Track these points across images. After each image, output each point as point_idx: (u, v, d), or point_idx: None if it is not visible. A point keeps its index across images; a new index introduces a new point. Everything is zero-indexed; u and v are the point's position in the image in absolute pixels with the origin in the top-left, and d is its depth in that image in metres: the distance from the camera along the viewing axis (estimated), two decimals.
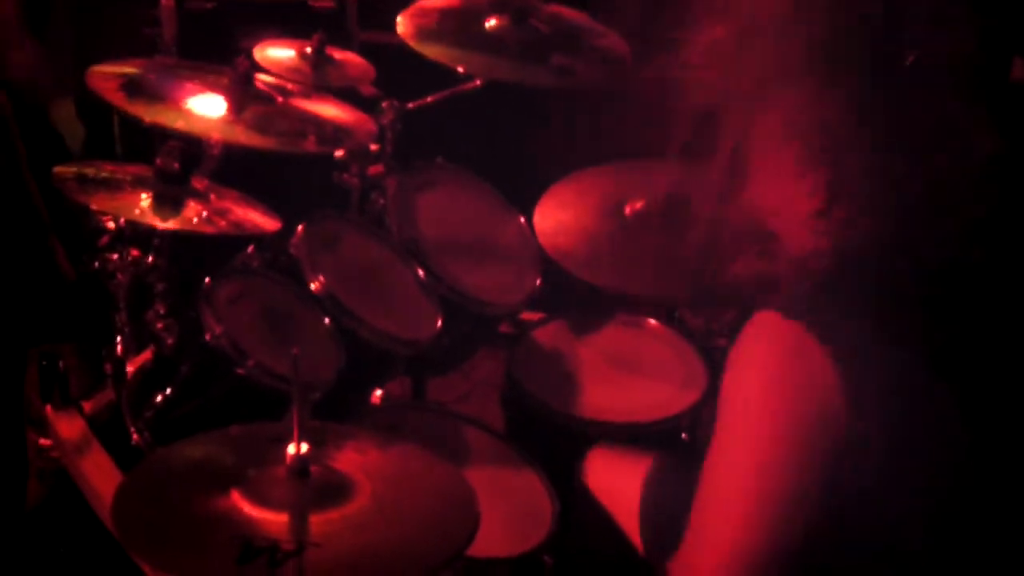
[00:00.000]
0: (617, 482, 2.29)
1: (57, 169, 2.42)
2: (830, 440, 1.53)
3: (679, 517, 1.74)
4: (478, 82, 3.24)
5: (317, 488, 1.69)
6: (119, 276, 2.56)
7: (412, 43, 3.04)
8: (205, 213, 2.44)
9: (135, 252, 2.54)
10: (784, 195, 1.71)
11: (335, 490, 1.70)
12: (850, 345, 1.55)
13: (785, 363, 1.56)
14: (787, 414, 1.54)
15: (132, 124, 2.60)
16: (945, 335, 1.62)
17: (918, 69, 1.65)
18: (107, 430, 2.42)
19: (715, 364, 2.86)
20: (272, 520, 1.65)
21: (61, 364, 2.42)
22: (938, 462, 1.60)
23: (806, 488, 1.53)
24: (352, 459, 1.79)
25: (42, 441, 2.47)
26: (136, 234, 2.55)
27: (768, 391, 1.56)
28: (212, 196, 2.53)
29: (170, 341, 2.53)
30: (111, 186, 2.44)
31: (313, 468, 1.70)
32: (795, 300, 1.61)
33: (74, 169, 2.45)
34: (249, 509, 1.66)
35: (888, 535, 1.58)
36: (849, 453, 1.53)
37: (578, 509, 2.38)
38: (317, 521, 1.65)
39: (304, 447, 1.67)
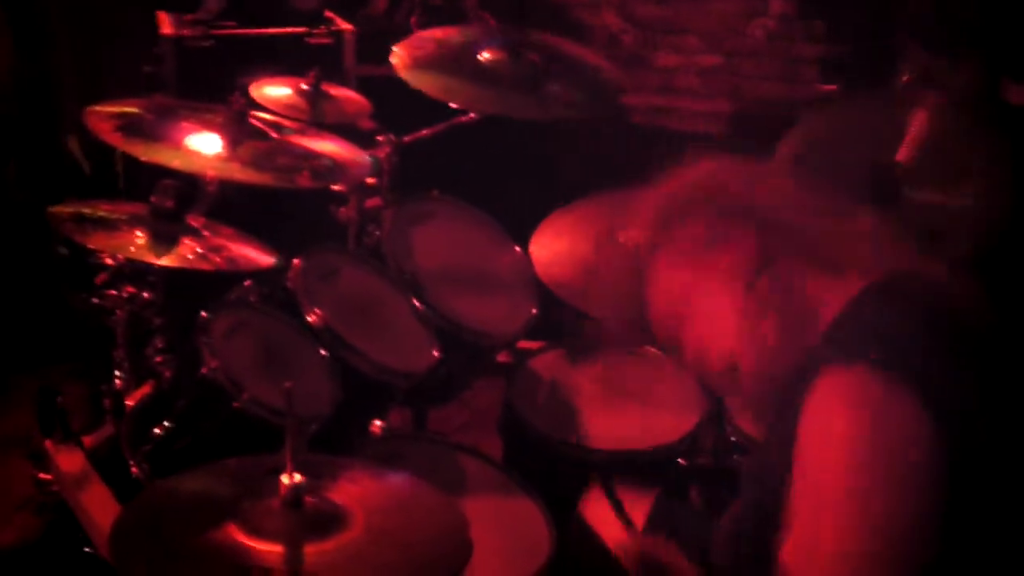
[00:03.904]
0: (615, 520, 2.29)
1: (54, 209, 2.45)
2: (930, 469, 1.53)
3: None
4: (473, 115, 3.27)
5: (311, 519, 1.70)
6: (118, 312, 2.59)
7: (407, 76, 3.07)
8: (200, 250, 2.47)
9: (131, 289, 2.57)
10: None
11: (329, 521, 1.71)
12: (919, 370, 1.56)
13: (870, 415, 1.56)
14: (884, 458, 1.54)
15: (134, 161, 2.63)
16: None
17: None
18: (107, 464, 2.43)
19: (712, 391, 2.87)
20: (267, 551, 1.66)
21: (60, 400, 2.44)
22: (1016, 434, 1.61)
23: (913, 513, 1.53)
24: (346, 490, 1.81)
25: (42, 475, 2.48)
26: (134, 271, 2.58)
27: (857, 446, 1.55)
28: (207, 233, 2.56)
29: (168, 375, 2.55)
30: (107, 225, 2.47)
31: (307, 499, 1.71)
32: (849, 339, 1.62)
33: (71, 208, 2.47)
34: (245, 540, 1.68)
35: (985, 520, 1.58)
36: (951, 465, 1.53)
37: (575, 538, 2.39)
38: (312, 552, 1.66)
39: (297, 478, 1.69)
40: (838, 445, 1.56)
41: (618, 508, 2.24)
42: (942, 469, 1.52)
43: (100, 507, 2.31)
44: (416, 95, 3.05)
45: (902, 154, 2.65)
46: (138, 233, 2.45)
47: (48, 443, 2.44)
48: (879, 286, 1.67)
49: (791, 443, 1.61)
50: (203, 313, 2.50)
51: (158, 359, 2.60)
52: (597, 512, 2.35)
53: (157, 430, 2.46)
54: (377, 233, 3.09)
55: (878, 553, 1.53)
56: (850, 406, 1.57)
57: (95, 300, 2.61)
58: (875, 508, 1.53)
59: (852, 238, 1.75)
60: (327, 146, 2.89)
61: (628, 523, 2.20)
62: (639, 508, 2.25)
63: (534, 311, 3.04)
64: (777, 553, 1.59)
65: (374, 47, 3.88)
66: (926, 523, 1.53)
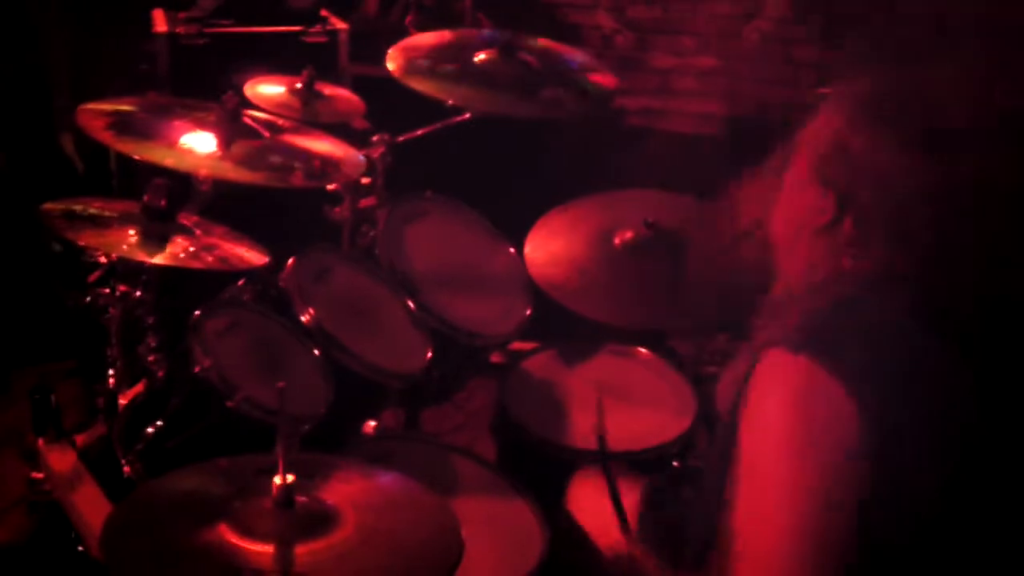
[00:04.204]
0: (602, 506, 2.29)
1: (45, 206, 2.44)
2: (853, 467, 1.54)
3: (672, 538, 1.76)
4: (468, 115, 3.27)
5: (303, 519, 1.70)
6: (110, 311, 2.58)
7: (402, 77, 3.07)
8: (192, 248, 2.46)
9: (124, 287, 2.56)
10: (796, 211, 1.75)
11: (320, 520, 1.71)
12: (858, 366, 1.57)
13: (801, 401, 1.58)
14: (812, 448, 1.56)
15: (128, 159, 2.62)
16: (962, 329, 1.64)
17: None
18: (99, 462, 2.43)
19: (705, 392, 2.87)
20: (258, 551, 1.66)
21: (53, 399, 2.43)
22: (955, 449, 1.62)
23: (838, 512, 1.55)
24: (338, 490, 1.80)
25: (34, 474, 2.47)
26: (127, 270, 2.58)
27: (790, 432, 1.58)
28: (199, 232, 2.55)
29: (161, 374, 2.55)
30: (98, 223, 2.46)
31: (299, 499, 1.71)
32: (796, 330, 1.63)
33: (62, 206, 2.47)
34: (236, 540, 1.67)
35: (909, 527, 1.59)
36: (874, 472, 1.54)
37: (566, 536, 2.38)
38: (302, 552, 1.66)
39: (289, 478, 1.69)
40: (771, 429, 1.59)
41: (617, 506, 2.24)
42: (867, 458, 1.54)
43: (92, 506, 2.30)
44: (410, 95, 3.05)
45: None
46: (130, 231, 2.44)
47: (40, 442, 2.44)
48: (877, 282, 1.67)
49: (736, 426, 1.65)
50: (196, 312, 2.50)
51: (151, 358, 2.59)
52: (588, 511, 2.35)
53: (149, 429, 2.46)
54: (371, 233, 3.09)
55: (808, 524, 1.55)
56: (784, 384, 1.60)
57: (88, 298, 2.60)
58: (805, 482, 1.56)
59: None
60: (321, 145, 2.89)
61: (624, 523, 2.20)
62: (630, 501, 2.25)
63: (528, 312, 3.04)
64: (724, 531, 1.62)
65: (369, 47, 3.89)
66: (849, 509, 1.55)
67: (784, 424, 1.58)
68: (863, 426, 1.54)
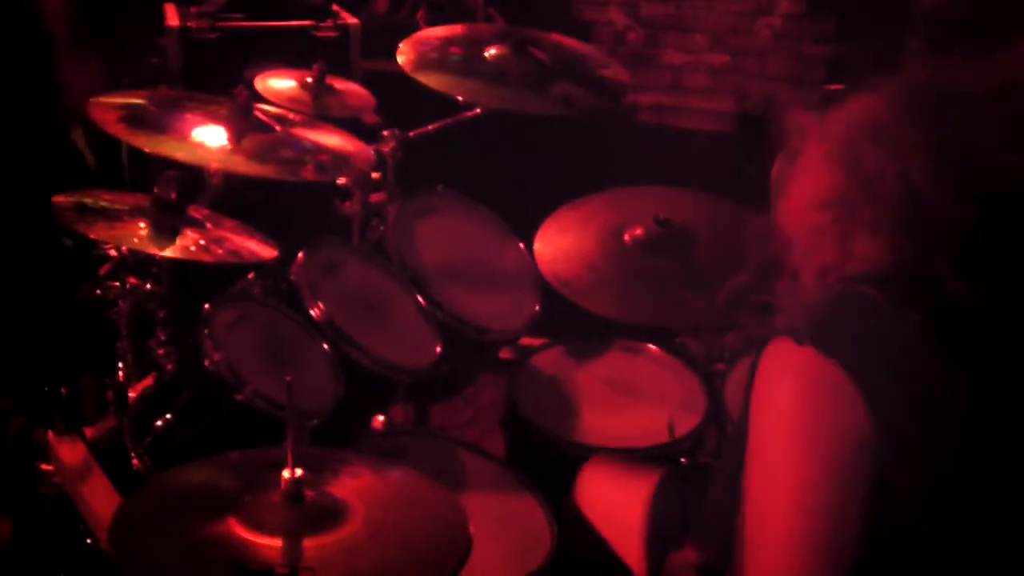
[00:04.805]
0: (610, 499, 2.29)
1: (56, 198, 2.44)
2: (864, 456, 1.54)
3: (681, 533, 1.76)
4: (479, 110, 3.27)
5: (311, 513, 1.71)
6: (120, 304, 2.59)
7: (413, 72, 3.07)
8: (203, 241, 2.47)
9: (134, 280, 2.56)
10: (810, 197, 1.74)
11: (329, 515, 1.72)
12: (861, 359, 1.57)
13: (809, 391, 1.58)
14: (821, 440, 1.56)
15: (140, 153, 2.63)
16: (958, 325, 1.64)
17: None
18: (108, 455, 2.43)
19: (714, 389, 2.87)
20: (267, 544, 1.66)
21: (63, 390, 2.44)
22: (950, 448, 1.62)
23: (847, 502, 1.55)
24: (346, 484, 1.81)
25: (44, 467, 2.48)
26: (137, 262, 2.58)
27: (799, 421, 1.57)
28: (209, 225, 2.56)
29: (170, 368, 2.55)
30: (109, 215, 2.46)
31: (308, 493, 1.71)
32: (802, 322, 1.62)
33: (73, 199, 2.47)
34: (245, 533, 1.68)
35: (909, 525, 1.60)
36: (880, 462, 1.55)
37: (573, 531, 2.38)
38: (311, 546, 1.66)
39: (298, 472, 1.69)
40: (781, 423, 1.59)
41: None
42: (874, 450, 1.54)
43: (101, 499, 2.31)
44: (421, 90, 3.05)
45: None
46: (141, 224, 2.45)
47: (50, 434, 2.44)
48: (858, 283, 1.67)
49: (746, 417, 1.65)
50: (206, 305, 2.50)
51: (161, 351, 2.59)
52: (596, 505, 2.35)
53: (159, 422, 2.47)
54: (381, 228, 3.09)
55: (817, 519, 1.55)
56: (791, 374, 1.60)
57: (98, 291, 2.60)
58: (813, 479, 1.55)
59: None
60: (332, 140, 2.89)
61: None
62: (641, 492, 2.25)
63: (537, 308, 3.04)
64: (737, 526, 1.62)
65: (380, 42, 3.89)
66: (858, 503, 1.55)
67: (792, 414, 1.58)
68: (869, 416, 1.54)
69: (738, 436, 1.68)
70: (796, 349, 1.60)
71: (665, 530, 2.11)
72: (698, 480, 2.59)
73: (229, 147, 2.62)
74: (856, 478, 1.55)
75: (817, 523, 1.55)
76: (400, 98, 3.21)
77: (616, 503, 2.25)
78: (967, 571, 1.64)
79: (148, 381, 2.61)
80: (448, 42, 3.27)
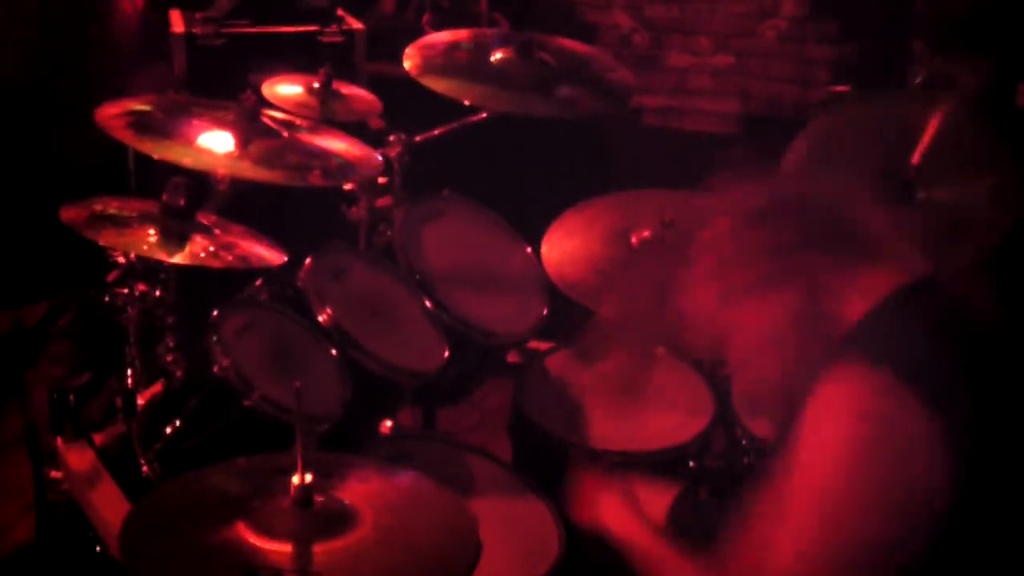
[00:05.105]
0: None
1: (65, 206, 2.45)
2: (926, 470, 1.54)
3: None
4: (485, 114, 3.27)
5: (320, 518, 1.71)
6: (129, 310, 2.59)
7: (419, 77, 3.07)
8: (211, 247, 2.47)
9: (143, 286, 2.57)
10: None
11: (338, 520, 1.72)
12: (934, 382, 1.56)
13: (879, 416, 1.57)
14: (880, 464, 1.55)
15: (146, 158, 2.63)
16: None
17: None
18: (117, 462, 2.43)
19: (721, 392, 2.87)
20: (276, 550, 1.66)
21: (72, 397, 2.44)
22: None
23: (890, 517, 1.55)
24: (355, 489, 1.81)
25: (53, 473, 2.48)
26: (146, 269, 2.58)
27: (856, 432, 1.57)
28: (217, 231, 2.56)
29: (179, 374, 2.56)
30: (118, 222, 2.47)
31: (317, 498, 1.72)
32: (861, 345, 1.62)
33: (82, 206, 2.47)
34: (254, 539, 1.68)
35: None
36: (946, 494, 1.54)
37: (582, 537, 2.38)
38: (320, 551, 1.67)
39: (307, 478, 1.70)
40: (839, 447, 1.57)
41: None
42: (946, 489, 1.53)
43: (110, 505, 2.31)
44: (427, 94, 3.05)
45: (916, 158, 2.64)
46: (150, 231, 2.45)
47: (59, 441, 2.45)
48: (903, 294, 1.66)
49: (791, 439, 1.62)
50: (214, 311, 2.51)
51: (169, 357, 2.60)
52: (609, 510, 2.34)
53: (168, 428, 2.47)
54: (388, 232, 3.09)
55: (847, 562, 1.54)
56: (857, 410, 1.57)
57: (106, 298, 2.61)
58: (862, 517, 1.55)
59: (885, 233, 1.74)
60: (338, 145, 2.89)
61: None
62: (657, 505, 2.25)
63: (544, 311, 3.03)
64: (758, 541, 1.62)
65: (385, 46, 3.89)
66: (916, 542, 1.53)
67: (854, 432, 1.56)
68: (944, 454, 1.53)
69: (780, 450, 1.67)
70: (861, 378, 1.58)
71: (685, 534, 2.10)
72: (704, 486, 2.61)
73: (236, 152, 2.63)
74: (919, 504, 1.53)
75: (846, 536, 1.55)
76: (406, 102, 3.21)
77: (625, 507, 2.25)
78: None
79: (157, 387, 2.61)
80: (454, 46, 3.28)
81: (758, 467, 1.85)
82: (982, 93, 2.70)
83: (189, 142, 2.60)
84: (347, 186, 3.09)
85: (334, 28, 4.10)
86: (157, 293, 2.59)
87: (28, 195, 3.51)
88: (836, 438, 1.58)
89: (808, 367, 1.66)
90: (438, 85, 3.07)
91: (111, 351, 2.75)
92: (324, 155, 2.78)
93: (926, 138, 2.73)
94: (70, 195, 2.51)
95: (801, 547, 1.57)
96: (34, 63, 3.61)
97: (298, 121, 2.92)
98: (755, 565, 1.61)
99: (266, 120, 2.76)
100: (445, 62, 3.20)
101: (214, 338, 2.44)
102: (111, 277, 2.62)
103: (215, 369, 2.41)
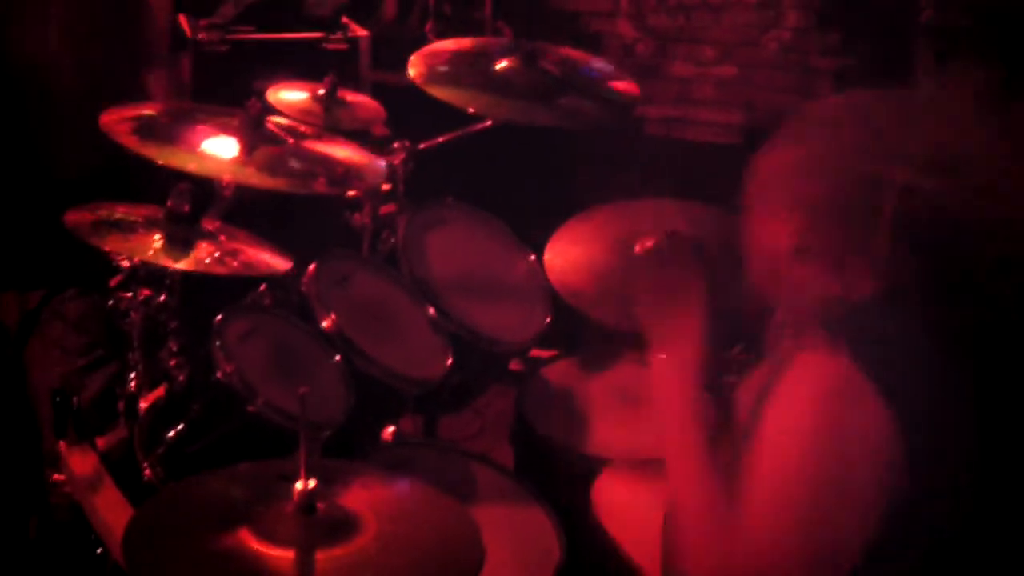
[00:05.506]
0: (627, 507, 2.29)
1: (70, 211, 2.45)
2: (879, 455, 1.59)
3: None
4: (489, 122, 3.27)
5: (323, 525, 1.70)
6: (132, 315, 2.59)
7: (423, 85, 3.08)
8: (216, 253, 2.47)
9: (147, 291, 2.57)
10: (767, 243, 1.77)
11: (341, 527, 1.71)
12: (890, 371, 1.61)
13: (834, 398, 1.62)
14: (839, 443, 1.60)
15: (150, 164, 2.64)
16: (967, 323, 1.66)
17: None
18: (120, 466, 2.43)
19: (723, 400, 2.86)
20: (279, 556, 1.66)
21: (75, 400, 2.44)
22: (964, 446, 1.63)
23: (844, 499, 1.60)
24: (358, 496, 1.81)
25: (55, 476, 2.49)
26: (149, 274, 2.59)
27: (818, 427, 1.61)
28: (222, 237, 2.56)
29: (182, 378, 2.56)
30: (123, 227, 2.47)
31: (320, 505, 1.71)
32: (828, 335, 1.65)
33: (87, 211, 2.48)
34: (257, 545, 1.68)
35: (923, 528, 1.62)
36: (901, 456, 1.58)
37: (585, 541, 2.38)
38: (323, 557, 1.66)
39: (311, 484, 1.69)
40: (796, 426, 1.63)
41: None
42: (896, 476, 1.58)
43: (113, 510, 2.31)
44: (431, 102, 3.05)
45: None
46: (155, 236, 2.45)
47: (62, 444, 2.45)
48: (885, 295, 1.68)
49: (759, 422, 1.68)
50: (218, 317, 2.51)
51: (172, 362, 2.60)
52: (608, 505, 2.35)
53: (171, 433, 2.47)
54: (391, 239, 3.09)
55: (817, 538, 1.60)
56: (816, 393, 1.63)
57: (110, 302, 2.61)
58: (816, 496, 1.60)
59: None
60: (342, 152, 2.89)
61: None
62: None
63: (548, 319, 3.04)
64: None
65: (389, 54, 3.90)
66: (869, 521, 1.59)
67: (813, 419, 1.61)
68: (894, 428, 1.57)
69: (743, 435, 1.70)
70: (828, 360, 1.62)
71: None
72: None
73: (240, 159, 2.63)
74: (864, 477, 1.58)
75: (806, 512, 1.60)
76: (409, 110, 3.22)
77: (634, 512, 2.25)
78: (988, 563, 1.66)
79: (159, 392, 2.61)
80: (457, 55, 3.28)
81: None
82: (986, 101, 2.69)
83: (193, 148, 2.61)
84: (351, 193, 3.09)
85: (339, 35, 4.11)
86: (161, 298, 2.60)
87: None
88: (794, 419, 1.64)
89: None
90: (442, 93, 3.07)
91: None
92: (328, 162, 2.79)
93: (928, 144, 2.73)
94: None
95: (764, 524, 1.63)
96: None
97: (303, 128, 2.93)
98: (730, 538, 1.64)
99: (271, 127, 2.77)
100: (449, 70, 3.20)
101: (217, 343, 2.44)
102: (115, 282, 2.62)
103: (218, 374, 2.41)
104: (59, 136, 3.49)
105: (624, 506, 2.32)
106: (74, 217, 2.45)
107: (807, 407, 1.63)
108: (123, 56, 3.65)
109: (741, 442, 1.74)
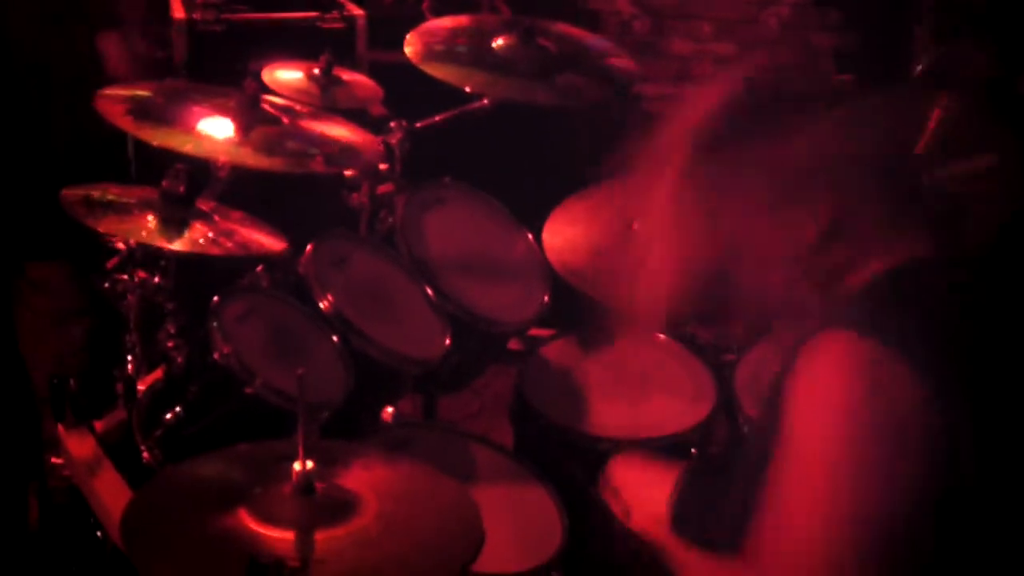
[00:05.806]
0: (641, 487, 2.27)
1: (65, 192, 2.44)
2: (919, 437, 1.52)
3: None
4: (486, 101, 3.26)
5: (322, 505, 1.70)
6: (129, 297, 2.59)
7: (420, 63, 3.07)
8: (211, 234, 2.47)
9: (143, 273, 2.56)
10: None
11: (340, 507, 1.71)
12: (921, 349, 1.55)
13: (868, 379, 1.55)
14: (873, 426, 1.54)
15: (146, 145, 2.63)
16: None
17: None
18: (118, 449, 2.43)
19: (724, 379, 2.86)
20: (278, 537, 1.66)
21: (72, 383, 2.44)
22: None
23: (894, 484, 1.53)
24: (358, 476, 1.81)
25: (54, 459, 2.49)
26: (146, 256, 2.58)
27: (853, 409, 1.55)
28: (217, 218, 2.55)
29: (180, 360, 2.55)
30: (118, 209, 2.47)
31: (319, 485, 1.71)
32: (848, 315, 1.61)
33: (81, 192, 2.47)
34: (256, 526, 1.68)
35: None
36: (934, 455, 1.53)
37: (588, 522, 2.38)
38: (322, 538, 1.66)
39: (309, 465, 1.69)
40: (833, 418, 1.56)
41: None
42: (943, 457, 1.52)
43: (111, 492, 2.31)
44: (428, 81, 3.04)
45: (921, 148, 2.64)
46: (149, 217, 2.44)
47: (60, 427, 2.44)
48: (897, 274, 1.66)
49: (779, 409, 1.62)
50: (215, 298, 2.50)
51: (170, 344, 2.59)
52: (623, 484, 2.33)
53: (169, 415, 2.46)
54: (389, 219, 3.08)
55: (869, 528, 1.53)
56: (847, 381, 1.56)
57: (106, 284, 2.61)
58: (868, 485, 1.53)
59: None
60: (339, 131, 2.88)
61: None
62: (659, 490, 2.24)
63: (546, 299, 3.03)
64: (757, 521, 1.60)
65: (386, 33, 3.88)
66: (924, 507, 1.53)
67: (847, 402, 1.55)
68: (928, 407, 1.52)
69: (765, 426, 1.67)
70: (851, 343, 1.57)
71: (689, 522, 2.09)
72: (708, 472, 2.60)
73: (236, 139, 2.62)
74: (905, 468, 1.53)
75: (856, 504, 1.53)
76: (406, 89, 3.20)
77: (643, 494, 2.24)
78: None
79: (157, 374, 2.61)
80: (455, 33, 3.27)
81: (747, 451, 1.85)
82: (985, 81, 2.69)
83: (189, 129, 2.60)
84: (348, 173, 3.08)
85: (335, 14, 4.09)
86: (157, 280, 2.59)
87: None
88: (829, 410, 1.57)
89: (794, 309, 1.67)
90: (439, 72, 3.07)
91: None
92: (325, 142, 2.78)
93: (930, 127, 2.72)
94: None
95: (820, 521, 1.56)
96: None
97: (299, 108, 2.91)
98: (784, 550, 1.60)
99: (267, 107, 2.75)
100: (446, 48, 3.19)
101: (215, 324, 2.43)
102: (111, 264, 2.62)
103: (216, 356, 2.40)
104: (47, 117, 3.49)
105: (634, 484, 2.30)
106: (68, 196, 2.44)
107: (841, 395, 1.57)
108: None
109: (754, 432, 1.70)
